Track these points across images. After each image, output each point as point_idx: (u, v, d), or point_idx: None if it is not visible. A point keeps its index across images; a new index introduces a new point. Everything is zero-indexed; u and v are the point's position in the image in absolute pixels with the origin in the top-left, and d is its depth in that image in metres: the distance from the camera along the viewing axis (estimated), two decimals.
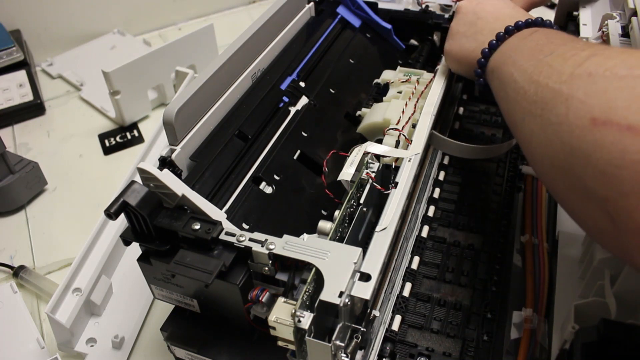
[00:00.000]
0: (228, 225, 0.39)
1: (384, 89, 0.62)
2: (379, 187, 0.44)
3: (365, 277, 0.35)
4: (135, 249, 0.42)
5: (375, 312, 0.39)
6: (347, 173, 0.43)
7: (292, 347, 0.36)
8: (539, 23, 0.45)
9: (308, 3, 0.67)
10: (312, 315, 0.33)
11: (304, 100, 0.57)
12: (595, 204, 0.28)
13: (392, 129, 0.50)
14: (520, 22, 0.44)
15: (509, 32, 0.45)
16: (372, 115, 0.57)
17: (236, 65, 0.53)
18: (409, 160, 0.45)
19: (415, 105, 0.53)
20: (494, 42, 0.45)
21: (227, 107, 0.52)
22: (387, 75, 0.64)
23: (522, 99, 0.37)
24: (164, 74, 0.83)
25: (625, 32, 0.52)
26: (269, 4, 0.59)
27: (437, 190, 0.57)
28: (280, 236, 0.37)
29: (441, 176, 0.58)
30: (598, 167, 0.28)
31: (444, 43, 0.55)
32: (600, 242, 0.33)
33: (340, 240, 0.40)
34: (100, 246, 0.60)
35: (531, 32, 0.42)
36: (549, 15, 0.50)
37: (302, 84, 0.58)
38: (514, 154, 0.61)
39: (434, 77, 0.56)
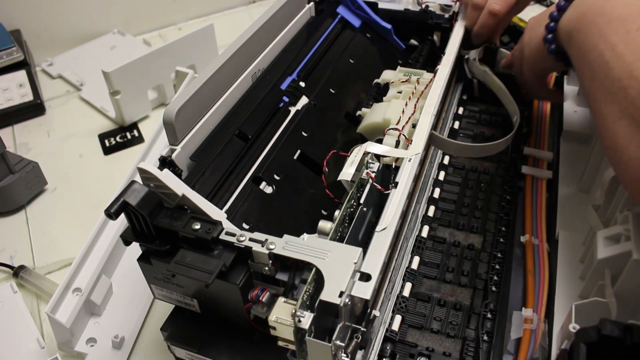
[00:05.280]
0: (228, 225, 0.39)
1: (384, 89, 0.62)
2: (379, 187, 0.44)
3: (366, 277, 0.35)
4: (135, 249, 0.42)
5: (376, 312, 0.39)
6: (347, 173, 0.43)
7: (292, 347, 0.36)
8: None
9: (308, 3, 0.67)
10: (312, 315, 0.33)
11: (304, 100, 0.57)
12: None
13: (392, 129, 0.50)
14: None
15: None
16: (372, 115, 0.57)
17: (236, 65, 0.53)
18: (409, 160, 0.45)
19: (415, 105, 0.53)
20: (562, 2, 0.41)
21: (227, 107, 0.52)
22: (387, 75, 0.64)
23: (620, 96, 0.32)
24: (164, 74, 0.83)
25: None
26: (269, 4, 0.59)
27: (437, 190, 0.57)
28: (281, 236, 0.37)
29: (441, 176, 0.59)
30: None
31: (444, 43, 0.55)
32: None
33: (341, 240, 0.40)
34: (100, 246, 0.60)
35: None
36: None
37: (302, 84, 0.58)
38: (514, 154, 0.61)
39: (434, 77, 0.56)
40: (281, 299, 0.36)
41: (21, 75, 0.88)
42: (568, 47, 0.41)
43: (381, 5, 0.73)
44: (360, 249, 0.36)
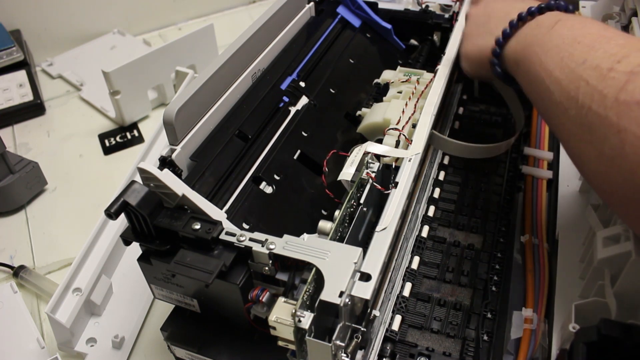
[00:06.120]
0: (228, 225, 0.39)
1: (384, 89, 0.62)
2: (379, 187, 0.44)
3: (366, 277, 0.35)
4: (135, 249, 0.42)
5: (376, 312, 0.39)
6: (347, 173, 0.43)
7: (292, 347, 0.36)
8: (554, 6, 0.43)
9: (308, 3, 0.67)
10: (312, 315, 0.33)
11: (304, 100, 0.57)
12: None
13: (392, 129, 0.50)
14: (532, 8, 0.43)
15: (523, 18, 0.44)
16: (372, 115, 0.57)
17: (236, 65, 0.53)
18: (409, 160, 0.45)
19: (415, 105, 0.53)
20: (507, 30, 0.44)
21: (227, 107, 0.52)
22: (387, 75, 0.64)
23: (564, 117, 0.35)
24: (164, 74, 0.83)
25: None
26: (269, 4, 0.59)
27: (437, 190, 0.57)
28: (281, 236, 0.37)
29: (441, 176, 0.58)
30: None
31: (444, 43, 0.55)
32: None
33: (341, 240, 0.40)
34: (100, 246, 0.60)
35: (553, 23, 0.40)
36: None
37: (302, 84, 0.58)
38: (514, 154, 0.61)
39: (434, 77, 0.56)
40: (281, 299, 0.36)
41: (21, 75, 0.88)
42: (516, 73, 0.45)
43: (381, 5, 0.73)
44: (360, 249, 0.36)
